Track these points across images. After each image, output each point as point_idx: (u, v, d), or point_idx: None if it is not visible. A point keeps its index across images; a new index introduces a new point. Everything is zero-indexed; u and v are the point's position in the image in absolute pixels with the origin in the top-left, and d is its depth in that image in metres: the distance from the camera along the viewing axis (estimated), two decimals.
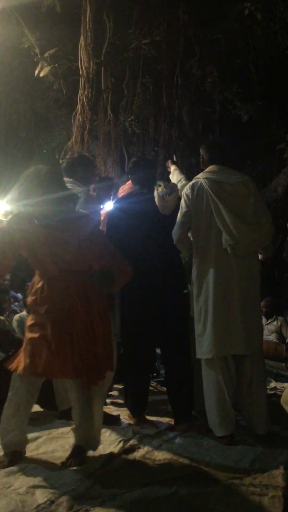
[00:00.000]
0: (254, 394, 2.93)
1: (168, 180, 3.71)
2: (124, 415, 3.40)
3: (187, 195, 3.08)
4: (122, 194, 3.78)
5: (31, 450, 2.69)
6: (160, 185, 3.22)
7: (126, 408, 3.45)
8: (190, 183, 3.13)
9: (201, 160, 3.28)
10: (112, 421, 3.23)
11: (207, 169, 3.15)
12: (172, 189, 3.19)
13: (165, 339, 3.26)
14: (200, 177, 3.10)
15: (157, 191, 3.19)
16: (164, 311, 3.19)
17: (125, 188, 3.87)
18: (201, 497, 2.13)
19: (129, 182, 3.87)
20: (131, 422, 3.26)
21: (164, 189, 3.15)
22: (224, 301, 2.93)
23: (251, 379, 2.94)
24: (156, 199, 3.21)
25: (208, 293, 2.96)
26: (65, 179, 3.44)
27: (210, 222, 3.00)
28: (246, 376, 2.95)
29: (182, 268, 3.43)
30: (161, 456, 2.63)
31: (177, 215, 3.17)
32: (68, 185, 3.36)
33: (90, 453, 2.65)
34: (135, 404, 3.31)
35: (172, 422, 3.25)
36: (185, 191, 3.10)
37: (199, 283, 3.01)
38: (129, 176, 3.57)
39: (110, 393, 3.97)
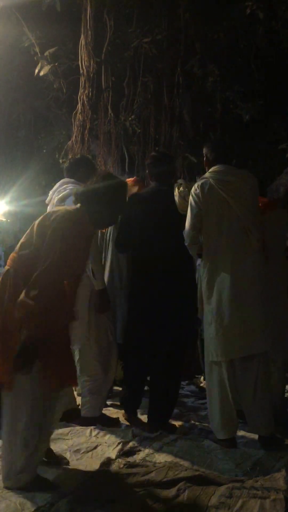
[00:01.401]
0: (259, 396, 2.90)
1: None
2: (124, 417, 3.37)
3: (196, 195, 3.00)
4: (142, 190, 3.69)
5: None
6: (181, 184, 3.16)
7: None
8: (198, 182, 3.06)
9: (204, 159, 3.22)
10: (111, 424, 3.20)
11: (212, 169, 3.09)
12: None
13: (166, 339, 3.21)
14: (208, 177, 3.05)
15: (178, 190, 3.13)
16: (172, 313, 3.15)
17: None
18: (202, 500, 2.11)
19: (130, 181, 3.81)
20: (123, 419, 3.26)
21: (186, 189, 3.10)
22: (238, 302, 2.90)
23: (256, 380, 2.91)
24: (176, 198, 3.15)
25: (221, 295, 2.92)
26: (66, 179, 3.45)
27: (220, 222, 2.97)
28: (251, 377, 2.92)
29: (194, 270, 3.38)
30: (161, 458, 2.61)
31: None
32: (70, 185, 3.36)
33: (89, 455, 2.63)
34: (130, 402, 3.29)
35: (175, 424, 3.23)
36: (194, 191, 3.03)
37: (210, 285, 2.97)
38: (147, 171, 3.49)
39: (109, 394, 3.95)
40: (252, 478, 2.35)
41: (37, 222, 2.31)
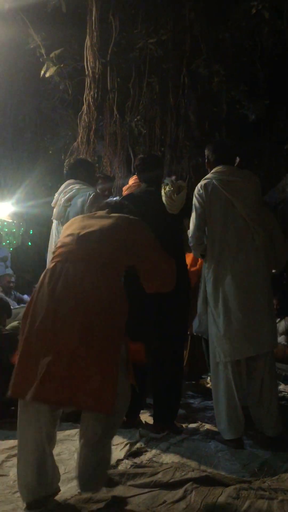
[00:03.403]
0: (265, 395, 2.90)
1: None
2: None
3: (200, 196, 3.03)
4: (126, 192, 3.75)
5: None
6: (167, 184, 3.18)
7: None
8: (201, 183, 3.08)
9: (206, 161, 3.25)
10: None
11: (215, 170, 3.11)
12: (180, 187, 3.15)
13: (162, 340, 3.21)
14: (211, 178, 3.06)
15: (165, 190, 3.15)
16: (165, 313, 3.15)
17: (129, 186, 3.85)
18: (209, 501, 2.11)
19: (132, 180, 3.84)
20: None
21: (172, 188, 3.11)
22: (244, 302, 2.90)
23: (262, 380, 2.91)
24: (163, 198, 3.17)
25: (226, 295, 2.92)
26: (71, 180, 3.48)
27: (225, 222, 2.97)
28: (258, 377, 2.92)
29: (187, 269, 3.39)
30: (168, 459, 2.60)
31: (183, 214, 3.13)
32: (77, 185, 3.39)
33: None
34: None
35: (181, 425, 3.23)
36: (198, 192, 3.05)
37: (216, 286, 2.97)
38: (136, 173, 3.54)
39: None
40: (259, 479, 2.34)
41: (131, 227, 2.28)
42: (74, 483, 2.26)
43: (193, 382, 4.72)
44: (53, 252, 2.24)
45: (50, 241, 3.62)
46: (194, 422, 3.38)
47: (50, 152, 7.72)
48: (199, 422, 3.38)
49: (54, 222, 3.54)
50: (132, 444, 2.80)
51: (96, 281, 2.06)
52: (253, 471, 2.48)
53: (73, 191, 3.38)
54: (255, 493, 2.15)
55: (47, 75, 5.54)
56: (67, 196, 3.38)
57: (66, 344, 1.95)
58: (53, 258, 2.19)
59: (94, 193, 3.28)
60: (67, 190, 3.42)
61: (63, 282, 2.04)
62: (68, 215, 3.34)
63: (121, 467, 2.50)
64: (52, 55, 5.49)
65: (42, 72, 5.55)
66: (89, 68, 5.29)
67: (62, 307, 2.00)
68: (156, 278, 2.33)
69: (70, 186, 3.43)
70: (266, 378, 2.91)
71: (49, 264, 2.19)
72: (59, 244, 2.23)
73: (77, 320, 1.98)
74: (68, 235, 2.23)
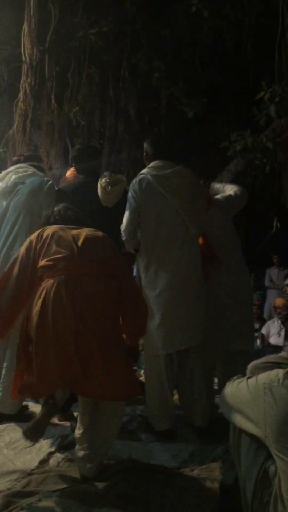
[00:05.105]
0: (195, 387, 2.96)
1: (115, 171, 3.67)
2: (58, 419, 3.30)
3: (134, 191, 3.02)
4: (64, 183, 3.70)
5: None
6: (105, 176, 3.17)
7: None
8: (137, 178, 3.07)
9: (144, 154, 3.25)
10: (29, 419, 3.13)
11: (151, 164, 3.11)
12: (118, 181, 3.14)
13: None
14: (146, 173, 3.07)
15: (100, 182, 3.14)
16: None
17: (67, 177, 3.80)
18: (139, 490, 2.13)
19: (71, 170, 3.79)
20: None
21: (108, 180, 3.10)
22: (177, 295, 2.92)
23: (192, 371, 2.97)
24: (98, 190, 3.16)
25: (160, 289, 2.94)
26: (21, 164, 3.40)
27: (158, 217, 2.99)
28: (187, 368, 2.98)
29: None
30: None
31: (119, 208, 3.12)
32: (30, 169, 3.31)
33: (27, 451, 2.58)
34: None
35: None
36: (132, 187, 3.05)
37: (150, 279, 2.99)
38: (73, 164, 3.50)
39: None
40: (188, 468, 2.39)
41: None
42: (3, 480, 2.21)
43: None
44: (50, 261, 2.28)
45: None
46: (126, 414, 3.39)
47: None
48: (131, 414, 3.40)
49: None
50: (63, 437, 2.77)
51: (108, 293, 2.31)
52: (183, 461, 2.53)
53: (28, 172, 3.31)
54: (184, 482, 2.19)
55: None
56: (19, 175, 3.30)
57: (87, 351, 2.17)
58: (55, 269, 2.25)
59: (51, 182, 3.25)
60: (19, 170, 3.34)
61: (82, 295, 2.20)
62: (18, 191, 3.23)
63: (52, 461, 2.48)
64: None
65: None
66: (27, 55, 5.15)
67: (84, 319, 2.18)
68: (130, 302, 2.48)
69: (24, 168, 3.36)
70: (195, 369, 2.96)
71: (51, 274, 2.26)
72: (56, 255, 2.29)
73: (97, 328, 2.20)
74: (63, 247, 2.31)
